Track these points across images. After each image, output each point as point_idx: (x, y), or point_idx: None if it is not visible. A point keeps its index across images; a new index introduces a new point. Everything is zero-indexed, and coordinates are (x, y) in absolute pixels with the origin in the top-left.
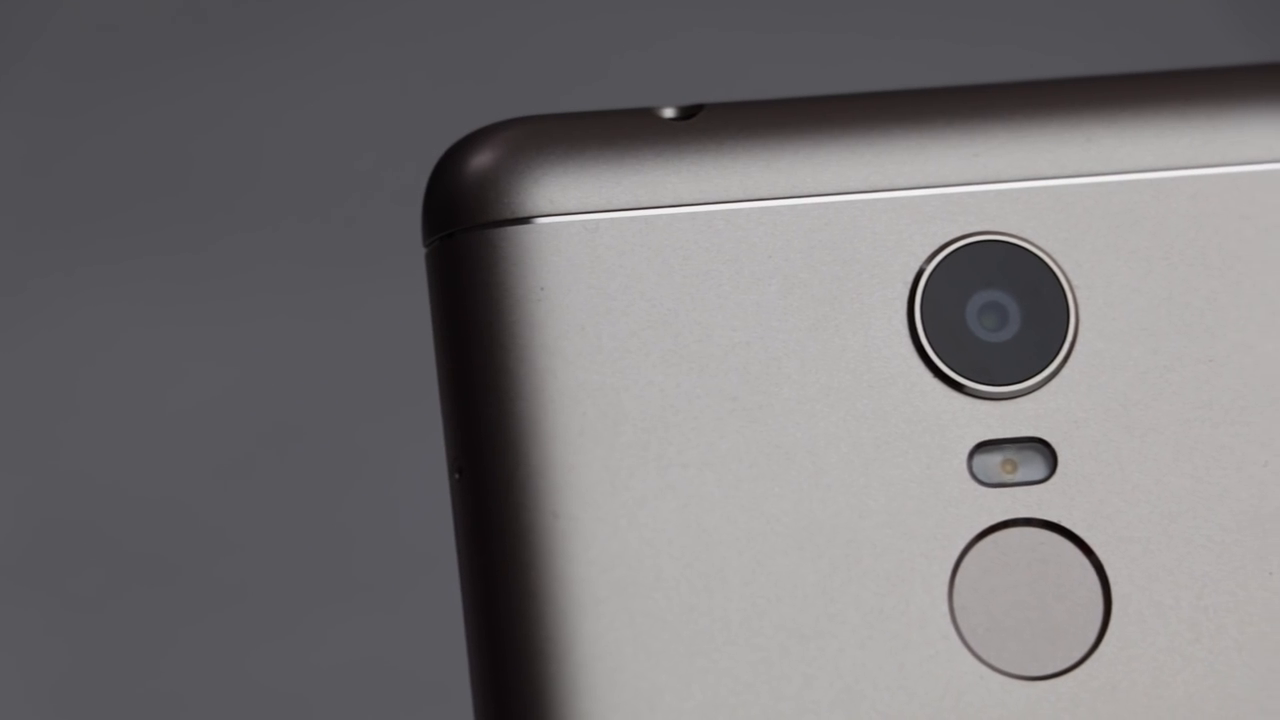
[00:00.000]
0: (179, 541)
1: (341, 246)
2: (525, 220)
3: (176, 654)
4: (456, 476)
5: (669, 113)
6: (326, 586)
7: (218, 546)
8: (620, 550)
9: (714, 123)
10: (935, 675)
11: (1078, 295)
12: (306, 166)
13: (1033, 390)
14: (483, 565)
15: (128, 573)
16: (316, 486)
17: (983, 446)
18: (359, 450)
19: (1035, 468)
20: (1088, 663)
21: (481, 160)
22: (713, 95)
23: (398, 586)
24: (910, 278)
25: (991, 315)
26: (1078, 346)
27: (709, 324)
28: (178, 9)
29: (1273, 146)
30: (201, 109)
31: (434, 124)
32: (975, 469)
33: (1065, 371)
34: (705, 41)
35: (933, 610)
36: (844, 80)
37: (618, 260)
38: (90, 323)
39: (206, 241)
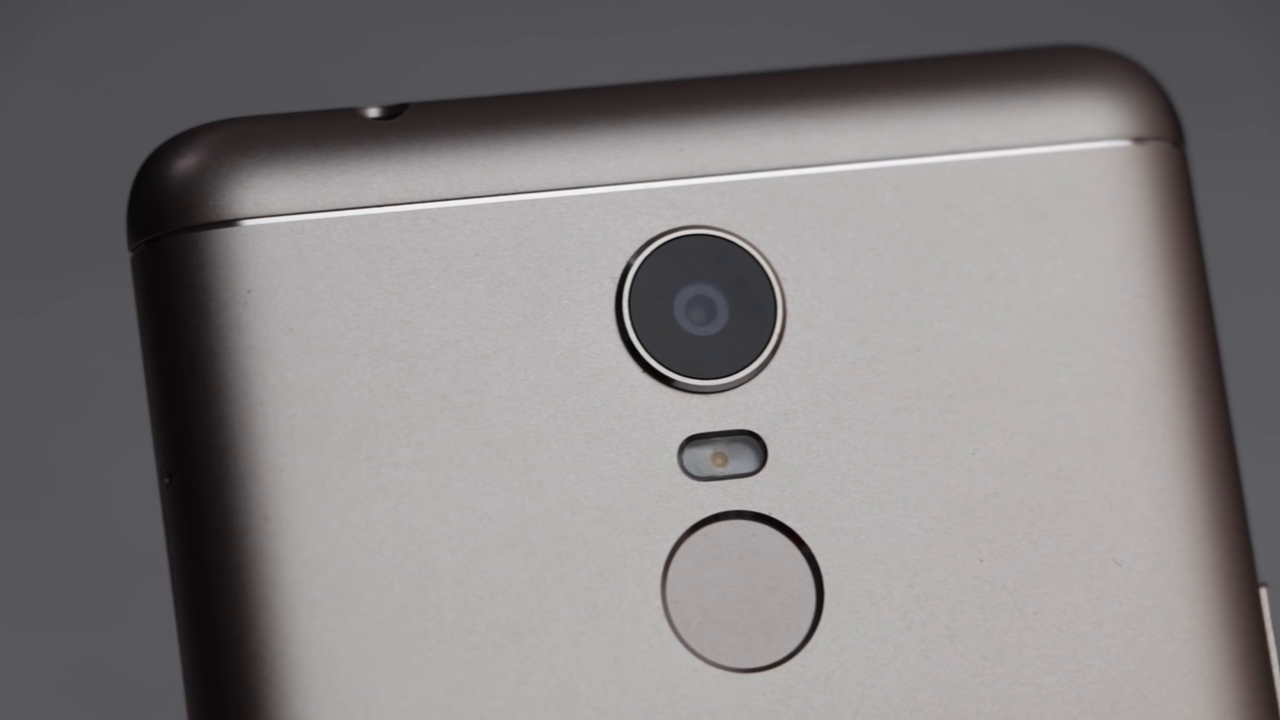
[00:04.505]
0: None
1: (46, 251)
2: (231, 223)
3: None
4: (166, 481)
5: (373, 112)
6: (38, 594)
7: None
8: (332, 551)
9: (418, 122)
10: (649, 669)
11: (785, 288)
12: (8, 172)
13: (742, 383)
14: (194, 570)
15: None
16: (25, 494)
17: (693, 440)
18: (67, 456)
19: (745, 460)
20: (801, 654)
21: (186, 163)
22: (417, 94)
23: (109, 593)
24: (618, 273)
25: (699, 309)
26: (786, 339)
27: (417, 323)
28: None
29: (976, 136)
30: None
31: (138, 127)
32: (686, 463)
33: (774, 364)
34: (408, 41)
35: (646, 605)
36: (549, 77)
37: (325, 261)
38: None
39: None
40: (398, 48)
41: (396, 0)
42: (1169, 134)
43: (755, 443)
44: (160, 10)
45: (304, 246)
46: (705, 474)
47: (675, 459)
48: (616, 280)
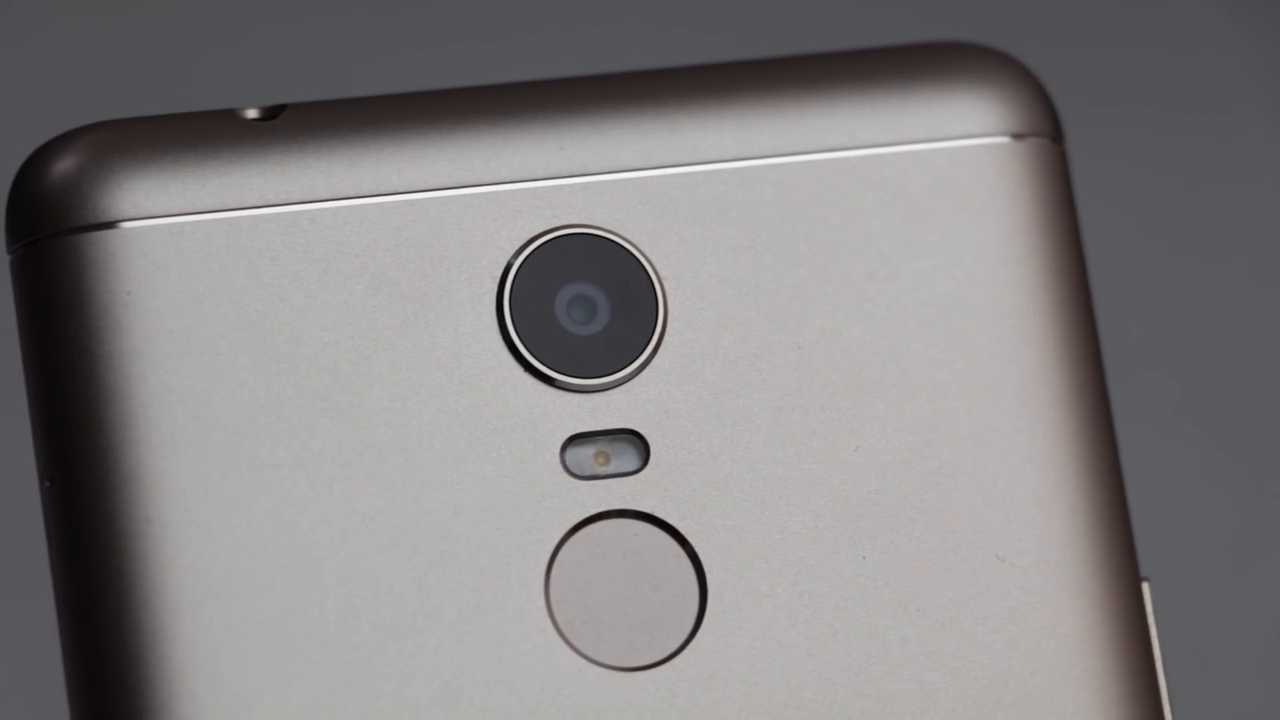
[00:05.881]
0: None
1: None
2: (110, 225)
3: None
4: (47, 484)
5: (252, 113)
6: None
7: None
8: (215, 554)
9: (297, 122)
10: (533, 669)
11: (666, 286)
12: None
13: (624, 382)
14: (77, 573)
15: None
16: None
17: (575, 439)
18: None
19: (628, 459)
20: (685, 652)
21: (64, 165)
22: (297, 95)
23: None
24: (499, 273)
25: (581, 308)
26: (667, 337)
27: (298, 324)
28: None
29: (855, 133)
30: None
31: (15, 130)
32: (568, 462)
33: (656, 362)
34: (289, 42)
35: (529, 604)
36: (432, 77)
37: (204, 263)
38: None
39: None
40: (281, 49)
41: (277, 3)
42: (1048, 130)
43: (638, 441)
44: (40, 12)
45: (184, 248)
46: (588, 473)
47: (558, 458)
48: (497, 280)
